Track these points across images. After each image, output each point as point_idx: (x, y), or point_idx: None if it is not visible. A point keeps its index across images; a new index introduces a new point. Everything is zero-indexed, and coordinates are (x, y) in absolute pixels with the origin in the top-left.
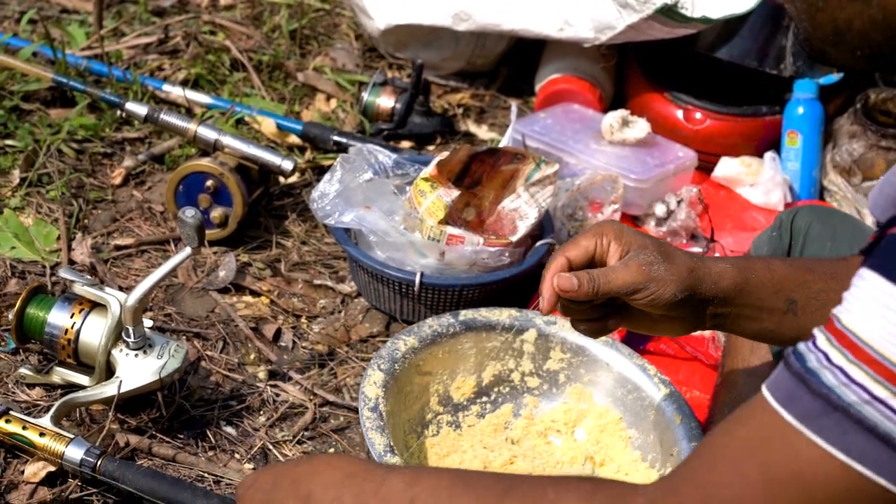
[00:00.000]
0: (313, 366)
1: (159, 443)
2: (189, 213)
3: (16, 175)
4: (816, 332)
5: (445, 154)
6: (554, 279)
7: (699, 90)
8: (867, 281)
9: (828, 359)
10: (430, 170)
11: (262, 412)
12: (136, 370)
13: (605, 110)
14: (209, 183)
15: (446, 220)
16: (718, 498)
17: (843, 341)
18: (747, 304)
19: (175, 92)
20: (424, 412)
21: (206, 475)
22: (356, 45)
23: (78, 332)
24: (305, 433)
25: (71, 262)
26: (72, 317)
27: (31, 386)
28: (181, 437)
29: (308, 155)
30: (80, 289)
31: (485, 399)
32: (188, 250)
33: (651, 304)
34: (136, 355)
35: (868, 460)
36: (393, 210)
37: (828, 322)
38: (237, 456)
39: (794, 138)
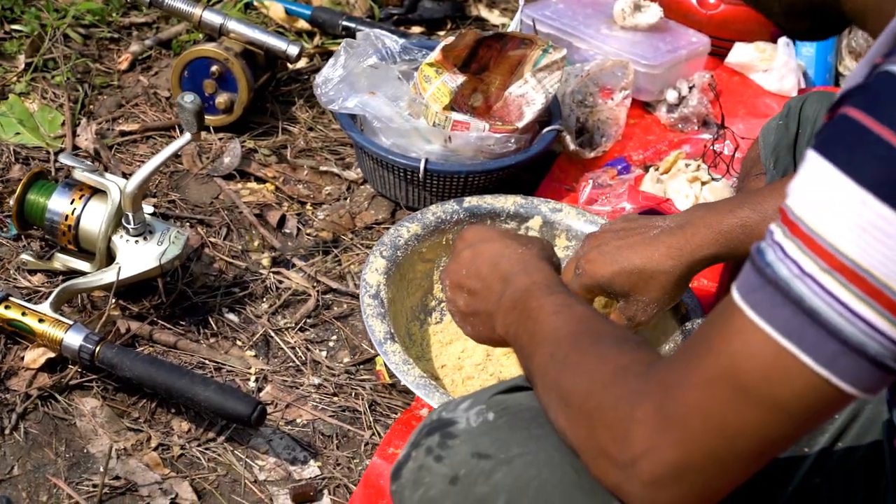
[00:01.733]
0: (317, 253)
1: (160, 329)
2: (188, 99)
3: (21, 60)
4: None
5: (451, 39)
6: None
7: None
8: (808, 160)
9: (772, 237)
10: (435, 55)
11: (264, 299)
12: (136, 256)
13: None
14: (214, 68)
15: (451, 106)
16: (678, 373)
17: (784, 219)
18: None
19: None
20: (427, 300)
21: (207, 362)
22: None
23: (78, 218)
24: (308, 320)
25: (75, 148)
26: (72, 203)
27: (32, 272)
28: (183, 323)
29: (317, 40)
30: (81, 174)
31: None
32: (187, 136)
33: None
34: (136, 241)
35: (792, 334)
36: (398, 96)
37: None
38: (239, 343)
39: None
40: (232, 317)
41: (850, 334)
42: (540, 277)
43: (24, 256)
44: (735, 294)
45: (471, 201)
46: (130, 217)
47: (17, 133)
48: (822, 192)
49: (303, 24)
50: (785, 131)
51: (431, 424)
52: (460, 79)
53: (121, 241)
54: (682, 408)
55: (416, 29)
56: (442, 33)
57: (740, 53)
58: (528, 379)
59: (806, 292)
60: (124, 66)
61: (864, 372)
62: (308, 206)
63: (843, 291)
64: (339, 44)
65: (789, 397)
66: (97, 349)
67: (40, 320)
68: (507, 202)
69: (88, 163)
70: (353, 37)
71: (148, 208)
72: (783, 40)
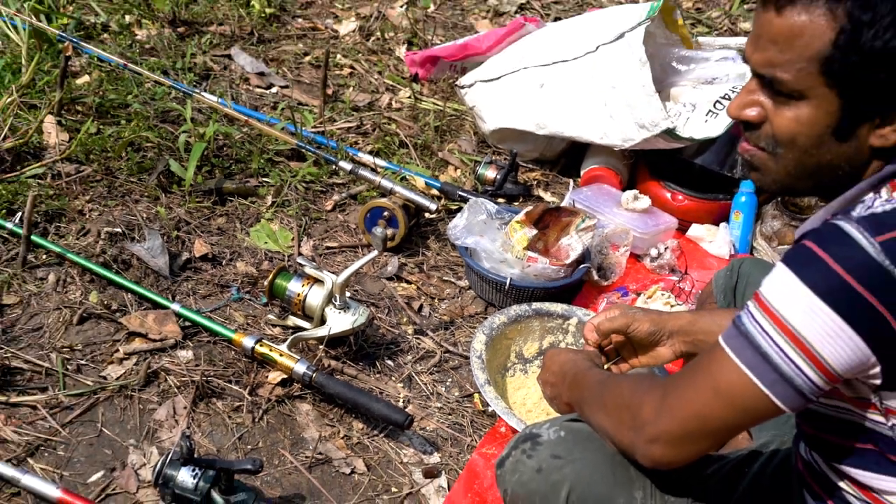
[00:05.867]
0: (441, 328)
1: (348, 366)
2: (379, 231)
3: (269, 200)
4: None
5: (529, 208)
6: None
7: (681, 181)
8: (777, 268)
9: (747, 308)
10: (520, 216)
11: (408, 354)
12: (339, 321)
13: (623, 190)
14: (385, 213)
15: (528, 248)
16: (678, 379)
17: (756, 298)
18: (698, 332)
19: (365, 157)
20: (507, 362)
21: (375, 389)
22: (474, 137)
23: (306, 296)
24: (434, 368)
25: (300, 255)
26: (303, 286)
27: (273, 326)
28: (361, 364)
29: (442, 202)
30: (309, 270)
31: (543, 357)
32: (375, 252)
33: (637, 335)
34: (340, 312)
35: (750, 365)
36: (496, 238)
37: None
38: (393, 379)
39: (738, 216)
40: (389, 362)
41: (785, 371)
42: (583, 367)
43: (270, 316)
44: (720, 339)
45: (536, 305)
46: (337, 298)
47: (266, 242)
48: (783, 286)
49: (434, 192)
50: (730, 280)
51: (525, 435)
52: (533, 232)
53: (330, 312)
54: (676, 398)
55: (501, 200)
56: (517, 204)
57: (695, 230)
58: (581, 416)
59: (762, 342)
60: (329, 207)
61: (790, 396)
62: (436, 300)
63: (785, 345)
64: (456, 205)
65: (744, 401)
66: (314, 375)
67: (280, 355)
68: (558, 307)
69: (314, 264)
70: (465, 202)
71: (347, 293)
72: (722, 225)
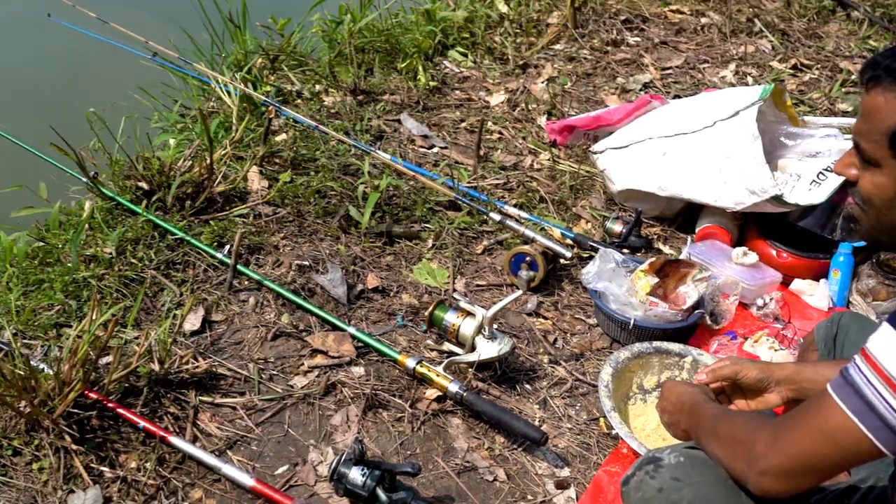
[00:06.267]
0: (572, 359)
1: (493, 388)
2: (524, 275)
3: (429, 242)
4: None
5: (652, 259)
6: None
7: (786, 241)
8: (882, 326)
9: (854, 361)
10: (643, 266)
11: (544, 380)
12: (488, 349)
13: (734, 246)
14: (527, 258)
15: (650, 294)
16: (787, 421)
17: (863, 353)
18: (804, 381)
19: (511, 210)
20: (629, 392)
21: (515, 408)
22: (603, 196)
23: (459, 326)
24: (566, 393)
25: (455, 290)
26: (457, 318)
27: (431, 350)
28: (504, 386)
29: (575, 250)
30: (463, 304)
31: (661, 388)
32: (520, 292)
33: (746, 381)
34: (488, 342)
35: (856, 412)
36: (622, 284)
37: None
38: (530, 400)
39: (836, 273)
40: (528, 386)
41: (888, 419)
42: (699, 399)
43: (429, 342)
44: (829, 387)
45: (656, 343)
46: (486, 329)
47: (426, 278)
48: (888, 344)
49: (568, 241)
50: (830, 330)
51: (648, 458)
52: (655, 280)
53: (480, 340)
54: (786, 437)
55: (626, 251)
56: (639, 255)
57: (798, 284)
58: (697, 444)
59: (867, 392)
60: (479, 250)
61: (892, 441)
62: (569, 335)
63: (889, 397)
64: (587, 253)
65: (848, 444)
66: (465, 394)
67: (437, 375)
68: (675, 347)
69: (467, 299)
70: (595, 251)
71: (494, 325)
72: (822, 280)
